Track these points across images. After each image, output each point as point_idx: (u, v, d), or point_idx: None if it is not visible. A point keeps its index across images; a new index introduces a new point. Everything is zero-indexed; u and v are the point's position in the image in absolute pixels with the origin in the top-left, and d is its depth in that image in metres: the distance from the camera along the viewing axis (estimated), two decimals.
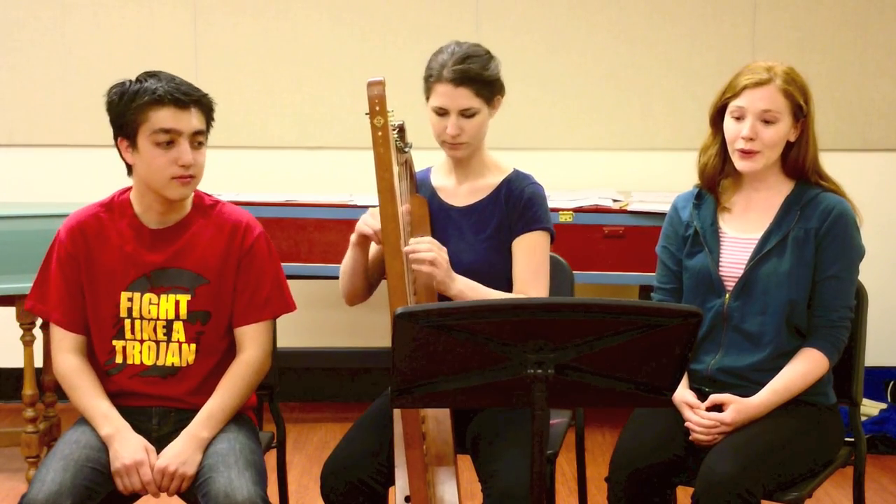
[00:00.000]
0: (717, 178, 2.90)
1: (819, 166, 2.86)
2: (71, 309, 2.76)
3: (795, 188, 2.84)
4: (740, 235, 2.85)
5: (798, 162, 2.83)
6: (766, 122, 2.76)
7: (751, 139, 2.76)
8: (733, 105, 2.79)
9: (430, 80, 2.79)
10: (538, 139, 5.06)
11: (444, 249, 2.72)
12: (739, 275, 2.81)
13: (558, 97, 5.09)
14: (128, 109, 2.65)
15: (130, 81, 2.68)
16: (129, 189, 2.80)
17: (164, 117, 2.64)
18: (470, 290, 2.74)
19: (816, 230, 2.78)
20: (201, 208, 2.80)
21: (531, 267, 2.82)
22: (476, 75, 2.76)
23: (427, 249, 2.68)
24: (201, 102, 2.69)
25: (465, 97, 2.76)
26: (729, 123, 2.81)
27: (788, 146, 2.82)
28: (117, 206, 2.78)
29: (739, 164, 2.80)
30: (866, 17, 5.07)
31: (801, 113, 2.79)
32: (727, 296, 2.82)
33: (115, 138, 2.72)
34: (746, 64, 2.86)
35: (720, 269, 2.83)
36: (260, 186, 4.99)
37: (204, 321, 2.75)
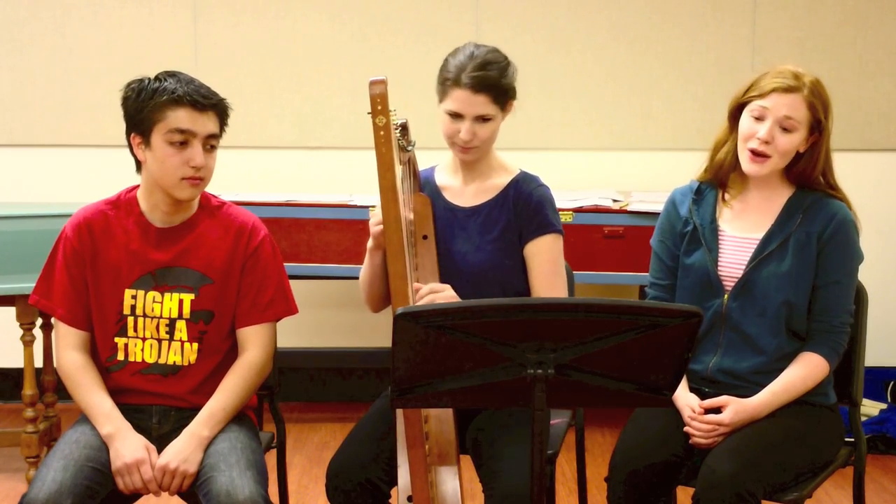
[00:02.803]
0: (729, 173, 2.89)
1: (831, 178, 2.84)
2: (75, 305, 2.76)
3: (797, 192, 2.84)
4: (740, 235, 2.85)
5: (804, 173, 2.82)
6: (785, 129, 2.75)
7: (766, 142, 2.75)
8: (756, 104, 2.77)
9: (447, 84, 2.76)
10: (538, 139, 5.06)
11: (448, 288, 2.70)
12: (739, 275, 2.81)
13: (558, 97, 5.09)
14: (145, 106, 2.66)
15: (149, 79, 2.70)
16: (136, 187, 2.81)
17: (181, 117, 2.65)
18: None
19: (819, 234, 2.78)
20: (208, 209, 2.81)
21: (549, 271, 2.82)
22: (494, 83, 2.74)
23: (428, 295, 2.66)
24: (218, 107, 2.71)
25: (482, 104, 2.74)
26: (746, 121, 2.79)
27: (798, 157, 2.81)
28: (124, 204, 2.79)
29: (747, 165, 2.79)
30: (866, 17, 5.07)
31: (818, 128, 2.78)
32: (726, 296, 2.81)
33: (128, 134, 2.72)
34: (775, 66, 2.81)
35: (719, 268, 2.83)
36: (260, 186, 5.00)
37: (207, 321, 2.76)
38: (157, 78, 2.69)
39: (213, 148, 2.72)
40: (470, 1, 5.05)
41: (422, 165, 2.93)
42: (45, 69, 5.06)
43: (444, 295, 2.68)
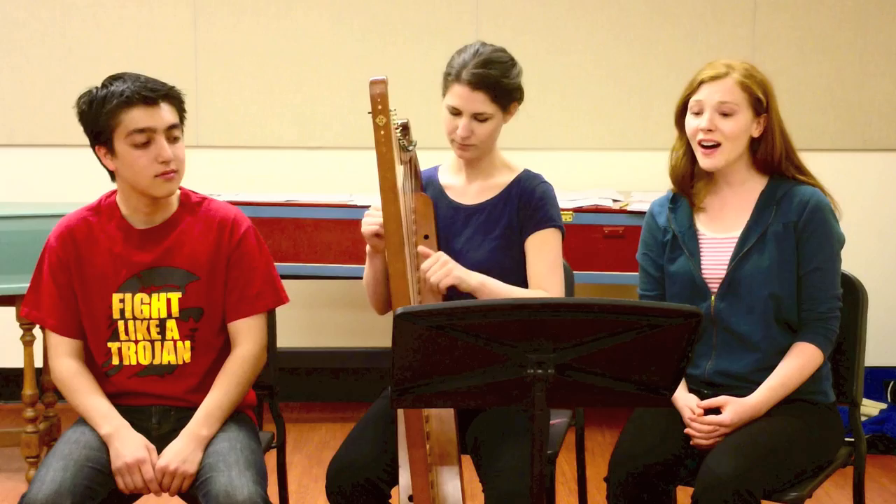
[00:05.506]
0: (689, 179, 2.89)
1: (796, 160, 2.85)
2: (65, 314, 2.76)
3: (769, 183, 2.84)
4: (719, 235, 2.85)
5: (767, 157, 2.83)
6: (724, 114, 2.77)
7: (709, 130, 2.77)
8: (692, 101, 2.81)
9: (449, 79, 2.78)
10: (538, 139, 5.06)
11: (443, 254, 2.73)
12: (722, 276, 2.81)
13: (558, 97, 5.09)
14: (99, 116, 2.65)
15: (97, 88, 2.68)
16: (115, 192, 2.80)
17: (136, 117, 2.63)
18: (487, 279, 2.75)
19: (795, 224, 2.78)
20: (188, 206, 2.80)
21: (546, 264, 2.83)
22: (494, 82, 2.75)
23: (438, 265, 2.70)
24: (170, 96, 2.68)
25: (479, 102, 2.75)
26: (689, 120, 2.82)
27: (756, 142, 2.82)
28: (105, 209, 2.79)
29: (703, 161, 2.81)
30: (866, 17, 5.07)
31: (761, 107, 2.79)
32: (713, 298, 2.81)
33: (93, 147, 2.71)
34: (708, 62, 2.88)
35: (703, 271, 2.83)
36: (260, 186, 5.00)
37: (197, 318, 2.75)
38: (103, 84, 2.68)
39: (178, 139, 2.69)
40: (470, 1, 5.05)
41: (423, 165, 2.94)
42: (45, 69, 5.07)
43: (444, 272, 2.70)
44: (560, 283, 2.84)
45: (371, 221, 2.74)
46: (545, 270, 2.82)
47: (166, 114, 2.66)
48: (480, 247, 2.84)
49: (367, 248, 2.80)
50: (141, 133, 2.64)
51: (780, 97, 2.87)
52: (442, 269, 2.70)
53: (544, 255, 2.83)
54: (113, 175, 2.74)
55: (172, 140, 2.68)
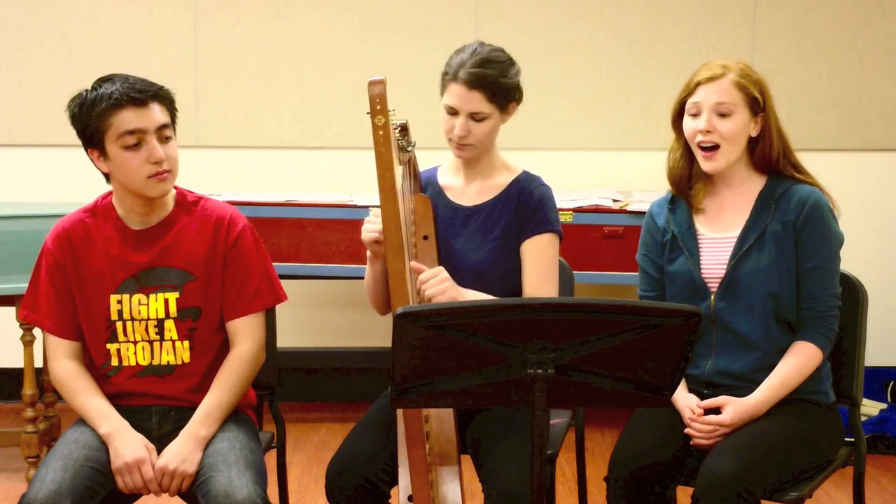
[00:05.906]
0: (687, 181, 2.89)
1: (793, 158, 2.86)
2: (62, 316, 2.76)
3: (767, 183, 2.85)
4: (718, 235, 2.85)
5: (765, 156, 2.83)
6: (722, 115, 2.77)
7: (708, 132, 2.77)
8: (689, 103, 2.81)
9: (446, 78, 2.78)
10: (538, 139, 5.06)
11: (443, 270, 2.71)
12: (722, 275, 2.81)
13: (558, 97, 5.09)
14: (89, 119, 2.64)
15: (87, 91, 2.68)
16: (111, 193, 2.80)
17: (126, 119, 2.62)
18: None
19: (794, 223, 2.78)
20: (184, 205, 2.80)
21: (541, 270, 2.82)
22: (491, 81, 2.75)
23: (436, 280, 2.67)
24: (159, 96, 2.67)
25: (476, 101, 2.75)
26: (687, 122, 2.82)
27: (753, 142, 2.82)
28: (101, 210, 2.78)
29: (704, 164, 2.81)
30: (866, 17, 5.07)
31: (758, 107, 2.79)
32: (712, 297, 2.81)
33: (86, 150, 2.71)
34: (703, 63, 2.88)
35: (702, 271, 2.83)
36: (260, 186, 5.00)
37: (195, 317, 2.75)
38: (93, 87, 2.67)
39: (170, 138, 2.68)
40: (470, 1, 5.05)
41: (422, 166, 2.94)
42: (45, 69, 5.06)
43: (442, 288, 2.68)
44: (554, 289, 2.84)
45: (371, 229, 2.73)
46: (539, 278, 2.82)
47: (156, 114, 2.66)
48: (479, 247, 2.84)
49: (368, 252, 2.80)
50: (131, 134, 2.63)
51: (780, 97, 2.87)
52: (439, 285, 2.68)
53: (538, 263, 2.82)
54: (108, 177, 2.74)
55: (164, 140, 2.67)
